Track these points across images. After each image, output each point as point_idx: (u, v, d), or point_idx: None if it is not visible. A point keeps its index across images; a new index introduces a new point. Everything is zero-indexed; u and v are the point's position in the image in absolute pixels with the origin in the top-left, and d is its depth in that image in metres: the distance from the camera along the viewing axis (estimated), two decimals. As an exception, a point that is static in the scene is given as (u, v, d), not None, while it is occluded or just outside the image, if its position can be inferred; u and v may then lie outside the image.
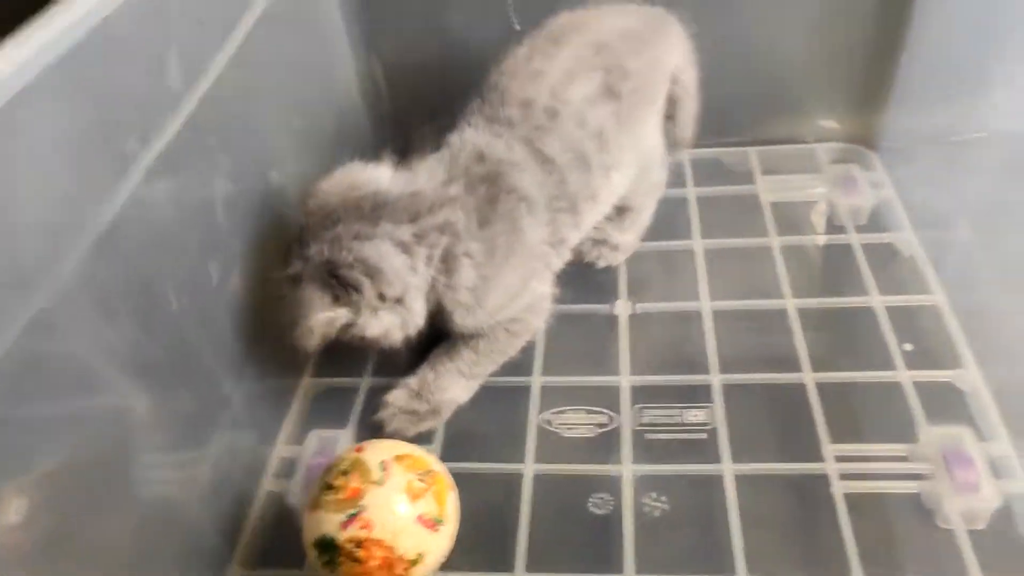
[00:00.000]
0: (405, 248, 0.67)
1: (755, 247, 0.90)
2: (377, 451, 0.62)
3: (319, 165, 0.75)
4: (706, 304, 0.84)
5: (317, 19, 0.86)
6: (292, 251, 0.67)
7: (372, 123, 1.03)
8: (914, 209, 0.92)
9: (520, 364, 0.80)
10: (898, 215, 0.92)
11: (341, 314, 0.66)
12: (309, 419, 0.79)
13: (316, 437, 0.77)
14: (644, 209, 0.91)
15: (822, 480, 0.68)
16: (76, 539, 0.49)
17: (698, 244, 0.91)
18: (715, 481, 0.69)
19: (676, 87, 0.86)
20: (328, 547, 0.58)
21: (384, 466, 0.60)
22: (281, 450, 0.76)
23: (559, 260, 0.80)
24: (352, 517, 0.57)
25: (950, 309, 0.81)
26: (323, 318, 0.65)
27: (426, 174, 0.72)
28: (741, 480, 0.69)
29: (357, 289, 0.65)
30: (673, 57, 0.84)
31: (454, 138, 0.76)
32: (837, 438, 0.71)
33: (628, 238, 0.90)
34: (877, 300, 0.83)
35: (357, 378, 0.82)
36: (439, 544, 0.60)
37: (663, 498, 0.68)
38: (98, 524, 0.51)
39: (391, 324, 0.68)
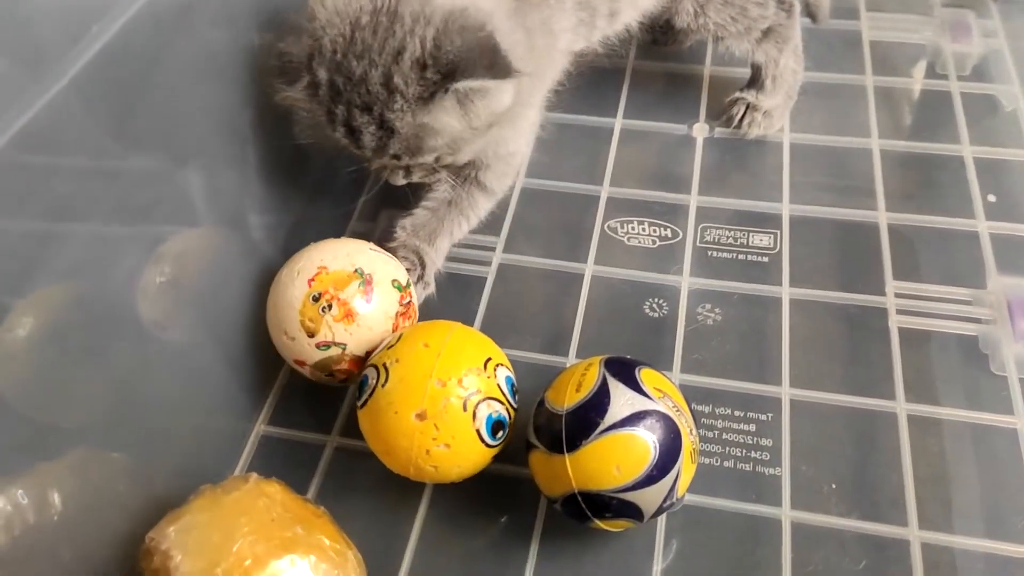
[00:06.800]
0: None
1: (849, 84, 0.86)
2: None
3: None
4: (786, 137, 0.82)
5: None
6: None
7: None
8: (1025, 63, 0.86)
9: (591, 173, 0.80)
10: (1006, 67, 0.87)
11: None
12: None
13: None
14: (771, 63, 0.80)
15: (879, 313, 0.68)
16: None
17: (788, 76, 0.88)
18: (770, 302, 0.69)
19: None
20: None
21: None
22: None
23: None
24: None
25: (1043, 165, 0.78)
26: None
27: None
28: (796, 304, 0.69)
29: None
30: None
31: None
32: (901, 276, 0.70)
33: (776, 101, 0.82)
34: (967, 150, 0.80)
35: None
36: None
37: (717, 310, 0.69)
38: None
39: None
